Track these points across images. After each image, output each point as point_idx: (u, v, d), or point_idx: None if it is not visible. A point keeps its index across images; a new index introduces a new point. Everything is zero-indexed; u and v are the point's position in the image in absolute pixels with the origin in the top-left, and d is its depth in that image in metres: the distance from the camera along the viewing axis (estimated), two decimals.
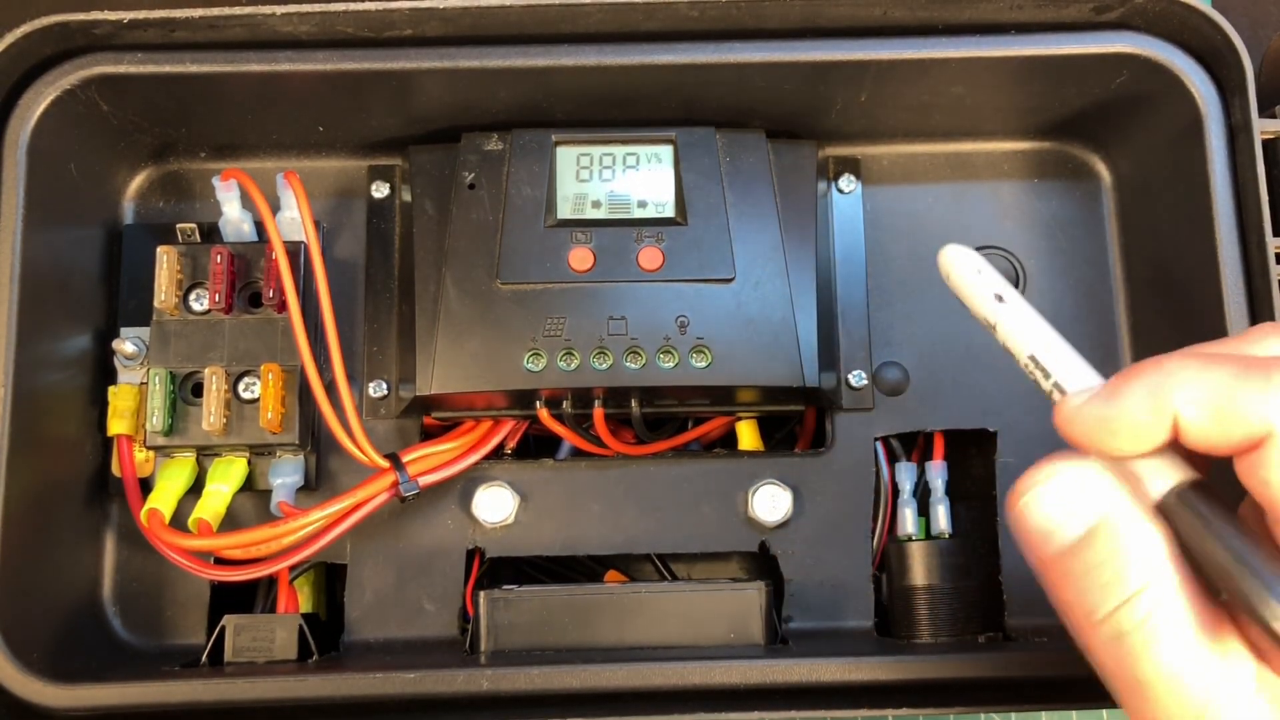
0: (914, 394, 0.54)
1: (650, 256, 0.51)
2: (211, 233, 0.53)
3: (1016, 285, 0.54)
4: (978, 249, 0.55)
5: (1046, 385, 0.35)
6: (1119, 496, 0.32)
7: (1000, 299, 0.36)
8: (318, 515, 0.48)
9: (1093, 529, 0.32)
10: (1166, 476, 0.32)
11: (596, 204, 0.52)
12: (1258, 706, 0.30)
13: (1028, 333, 0.35)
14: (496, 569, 0.54)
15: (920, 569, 0.52)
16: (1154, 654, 0.31)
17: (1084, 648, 0.33)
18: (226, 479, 0.50)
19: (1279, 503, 0.30)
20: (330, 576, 0.56)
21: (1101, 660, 0.32)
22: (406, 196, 0.54)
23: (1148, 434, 0.31)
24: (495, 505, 0.51)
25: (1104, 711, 0.57)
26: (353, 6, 0.46)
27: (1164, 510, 0.32)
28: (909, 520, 0.53)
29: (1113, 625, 0.31)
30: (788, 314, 0.50)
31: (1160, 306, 0.53)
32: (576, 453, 0.54)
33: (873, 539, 0.53)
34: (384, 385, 0.53)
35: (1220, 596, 0.32)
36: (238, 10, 0.46)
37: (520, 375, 0.49)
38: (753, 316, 0.50)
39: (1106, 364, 0.53)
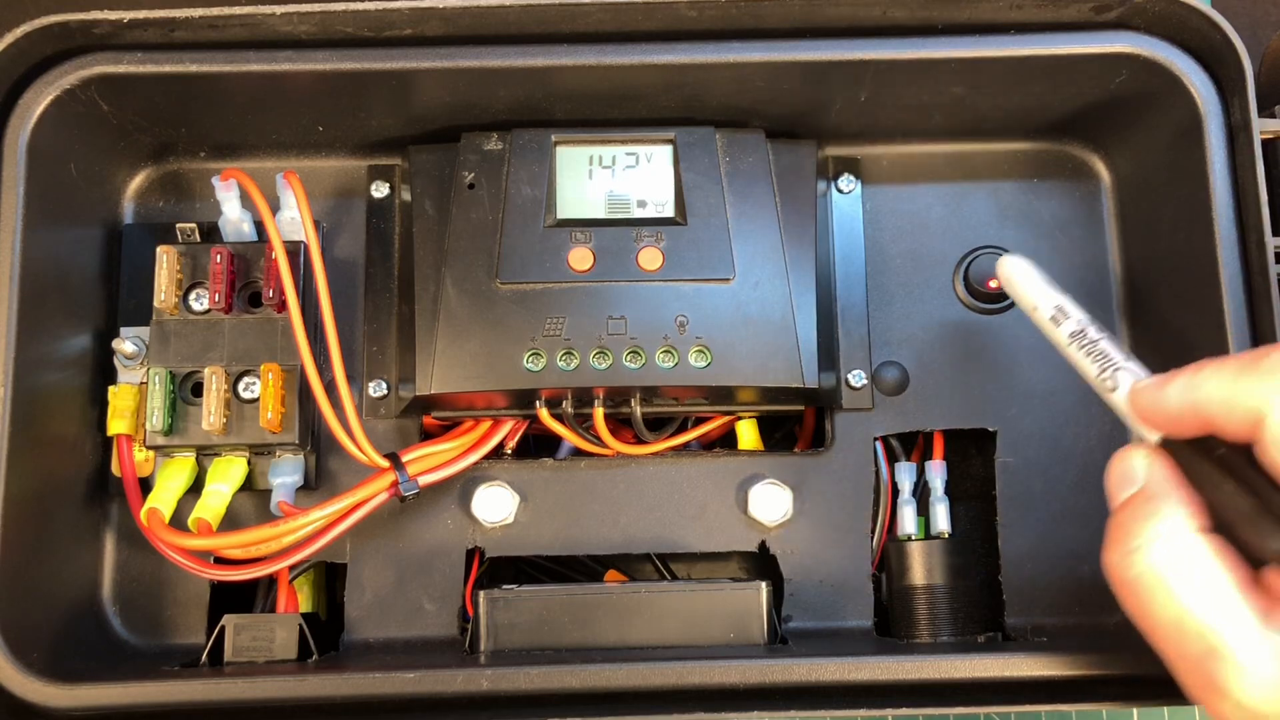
0: (913, 394, 0.54)
1: (650, 256, 0.51)
2: (211, 233, 0.53)
3: None
4: (977, 249, 0.55)
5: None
6: (1155, 473, 0.39)
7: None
8: (318, 515, 0.48)
9: (1133, 493, 0.39)
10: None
11: (596, 204, 0.52)
12: (1264, 646, 0.35)
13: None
14: (496, 569, 0.54)
15: (920, 569, 0.52)
16: (1156, 596, 0.37)
17: (1118, 593, 0.39)
18: (226, 479, 0.50)
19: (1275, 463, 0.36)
20: (330, 576, 0.56)
21: (1126, 601, 0.39)
22: (406, 196, 0.54)
23: (1186, 424, 0.38)
24: (495, 505, 0.51)
25: (1103, 710, 0.57)
26: (353, 6, 0.46)
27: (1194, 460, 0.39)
28: (908, 520, 0.53)
29: (1131, 564, 0.38)
30: (787, 314, 0.50)
31: (1160, 306, 0.53)
32: (576, 453, 0.54)
33: (872, 539, 0.53)
34: (384, 385, 0.53)
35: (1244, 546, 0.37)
36: (238, 10, 0.46)
37: (520, 375, 0.49)
38: (752, 316, 0.50)
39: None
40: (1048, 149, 0.56)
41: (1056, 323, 0.44)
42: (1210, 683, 0.36)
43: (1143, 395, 0.40)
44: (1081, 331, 0.43)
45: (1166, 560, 0.37)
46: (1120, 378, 0.41)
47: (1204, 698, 0.37)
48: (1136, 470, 0.40)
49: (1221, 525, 0.38)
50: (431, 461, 0.51)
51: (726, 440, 0.56)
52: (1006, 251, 0.55)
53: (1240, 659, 0.35)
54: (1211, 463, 0.38)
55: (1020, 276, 0.46)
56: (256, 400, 0.50)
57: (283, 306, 0.50)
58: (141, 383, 0.51)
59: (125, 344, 0.51)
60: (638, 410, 0.51)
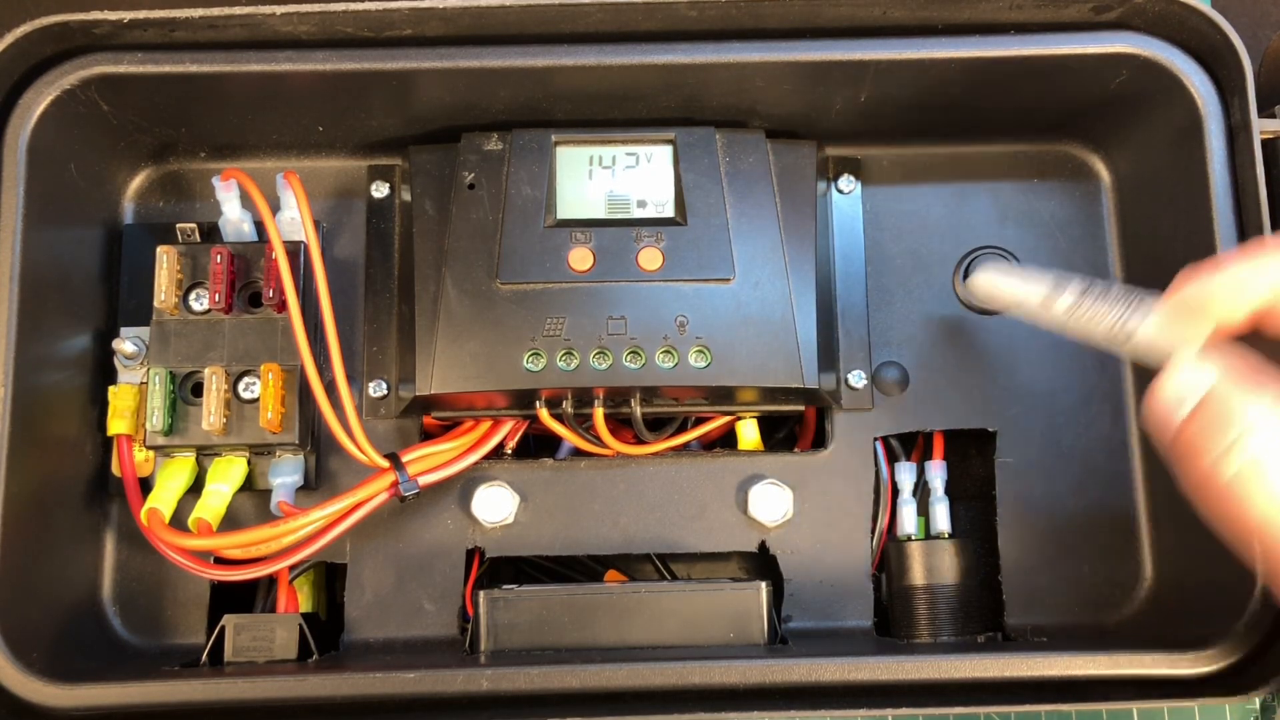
0: (914, 394, 0.54)
1: (650, 256, 0.51)
2: (211, 233, 0.53)
3: None
4: (978, 249, 0.55)
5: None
6: (1217, 372, 0.38)
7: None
8: (318, 515, 0.48)
9: (1203, 399, 0.38)
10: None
11: (596, 204, 0.52)
12: None
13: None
14: (496, 569, 0.54)
15: (920, 569, 0.52)
16: (1262, 486, 0.36)
17: (1207, 509, 0.38)
18: (226, 479, 0.50)
19: None
20: (330, 576, 0.56)
21: (1222, 510, 0.37)
22: (406, 196, 0.54)
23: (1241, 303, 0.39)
24: (495, 505, 0.51)
25: (1103, 710, 0.56)
26: (353, 6, 0.46)
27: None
28: (908, 520, 0.53)
29: (1225, 466, 0.37)
30: (787, 314, 0.50)
31: None
32: (576, 453, 0.54)
33: (872, 539, 0.53)
34: (384, 385, 0.53)
35: None
36: (238, 10, 0.46)
37: (520, 375, 0.49)
38: (752, 316, 0.50)
39: (1106, 365, 0.53)
40: (1048, 149, 0.56)
41: (1052, 302, 0.45)
42: None
43: (1183, 299, 0.40)
44: (1079, 301, 0.44)
45: (1263, 449, 0.36)
46: (1132, 322, 0.42)
47: None
48: (1193, 382, 0.39)
49: None
50: (431, 461, 0.51)
51: (726, 440, 0.56)
52: (1006, 251, 0.55)
53: None
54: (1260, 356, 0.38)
55: (1002, 279, 0.47)
56: (256, 400, 0.50)
57: (283, 306, 0.50)
58: (141, 383, 0.51)
59: (125, 344, 0.51)
60: (638, 410, 0.51)
